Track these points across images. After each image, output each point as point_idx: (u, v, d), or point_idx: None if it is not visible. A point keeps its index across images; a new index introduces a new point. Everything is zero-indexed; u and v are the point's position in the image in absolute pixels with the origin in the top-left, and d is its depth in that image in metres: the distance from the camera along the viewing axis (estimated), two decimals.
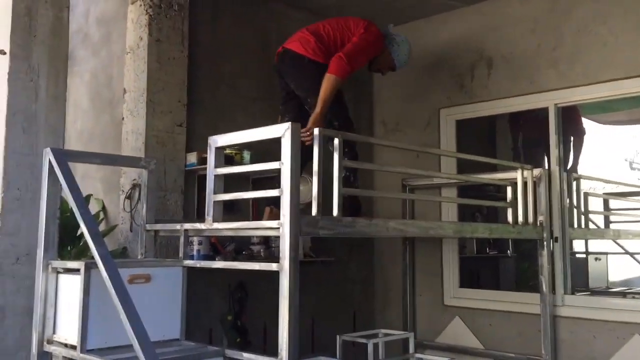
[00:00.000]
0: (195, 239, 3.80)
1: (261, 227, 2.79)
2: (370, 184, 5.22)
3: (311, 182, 3.05)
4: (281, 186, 2.61)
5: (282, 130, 2.64)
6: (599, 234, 5.38)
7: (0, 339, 3.12)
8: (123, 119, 4.04)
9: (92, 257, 3.32)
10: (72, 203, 2.84)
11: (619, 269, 6.04)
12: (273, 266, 2.64)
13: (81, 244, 3.64)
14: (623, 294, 5.80)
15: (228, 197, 3.02)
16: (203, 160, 3.99)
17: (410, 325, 4.90)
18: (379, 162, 5.10)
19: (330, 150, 2.88)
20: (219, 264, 3.17)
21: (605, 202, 5.65)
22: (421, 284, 5.02)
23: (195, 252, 3.83)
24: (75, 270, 2.88)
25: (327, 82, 3.57)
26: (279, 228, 2.60)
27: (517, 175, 4.00)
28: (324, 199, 2.76)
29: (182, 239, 3.20)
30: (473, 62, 4.72)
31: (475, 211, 5.84)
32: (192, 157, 4.03)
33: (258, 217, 4.40)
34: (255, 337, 4.32)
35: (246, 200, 4.41)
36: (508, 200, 4.00)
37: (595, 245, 5.72)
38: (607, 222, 5.60)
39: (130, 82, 4.00)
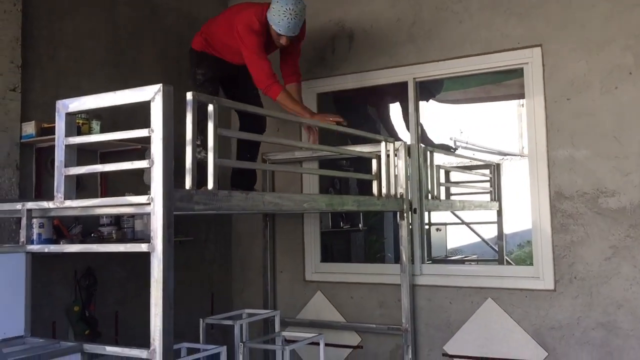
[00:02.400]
0: (36, 221, 3.32)
1: (127, 203, 2.44)
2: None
3: None
4: (151, 156, 2.30)
5: (151, 93, 2.32)
6: (448, 205, 5.66)
7: None
8: None
9: None
10: None
11: (453, 238, 6.47)
12: (143, 247, 2.32)
13: None
14: (462, 261, 6.23)
15: (83, 170, 2.63)
16: (43, 131, 3.49)
17: (271, 303, 4.78)
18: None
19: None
20: (74, 248, 2.78)
21: (447, 175, 5.96)
22: (282, 261, 4.91)
23: (35, 236, 3.34)
24: None
25: (282, 104, 3.70)
26: (149, 204, 2.30)
27: (381, 147, 4.02)
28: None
29: (24, 221, 2.73)
30: (334, 35, 4.66)
31: (329, 187, 5.87)
32: (30, 128, 3.49)
33: (107, 194, 3.98)
34: (105, 327, 3.92)
35: (93, 176, 3.97)
36: (373, 173, 4.01)
37: (435, 216, 6.03)
38: (448, 194, 5.93)
39: None
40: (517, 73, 4.13)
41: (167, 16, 4.65)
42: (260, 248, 4.90)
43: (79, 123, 3.46)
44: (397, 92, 4.70)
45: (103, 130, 3.59)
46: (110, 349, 2.46)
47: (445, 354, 4.19)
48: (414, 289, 4.28)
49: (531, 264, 4.00)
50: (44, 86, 3.71)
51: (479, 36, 4.16)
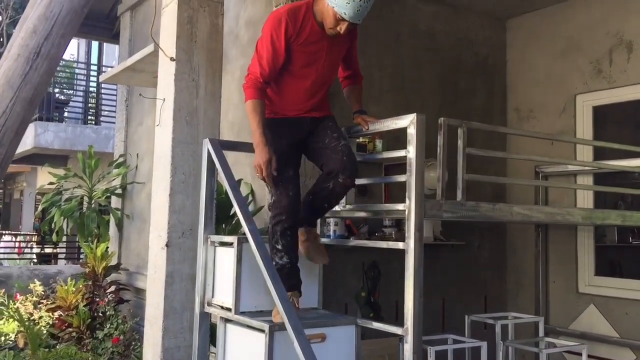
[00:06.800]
0: (332, 220, 4.17)
1: (389, 209, 3.05)
2: (503, 170, 5.28)
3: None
4: (407, 172, 2.85)
5: (407, 122, 2.88)
6: None
7: (170, 300, 3.69)
8: None
9: (244, 233, 3.81)
10: (227, 187, 3.29)
11: None
12: (399, 245, 2.90)
13: (234, 222, 4.14)
14: None
15: (361, 182, 3.32)
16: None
17: (542, 311, 4.92)
18: (512, 149, 5.14)
19: None
20: (352, 242, 3.49)
21: None
22: (554, 271, 5.01)
23: (331, 232, 4.20)
24: (230, 244, 3.34)
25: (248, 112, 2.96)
26: (404, 210, 2.85)
27: None
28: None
29: (319, 220, 3.56)
30: (612, 47, 4.60)
31: (619, 199, 5.66)
32: None
33: (389, 200, 4.68)
34: (387, 313, 4.61)
35: (379, 185, 4.71)
36: None
37: None
38: None
39: None
40: None
41: (444, 42, 5.17)
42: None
43: (365, 141, 4.23)
44: None
45: (385, 146, 4.28)
46: (376, 325, 3.09)
47: None
48: None
49: None
50: (339, 112, 4.56)
51: None
